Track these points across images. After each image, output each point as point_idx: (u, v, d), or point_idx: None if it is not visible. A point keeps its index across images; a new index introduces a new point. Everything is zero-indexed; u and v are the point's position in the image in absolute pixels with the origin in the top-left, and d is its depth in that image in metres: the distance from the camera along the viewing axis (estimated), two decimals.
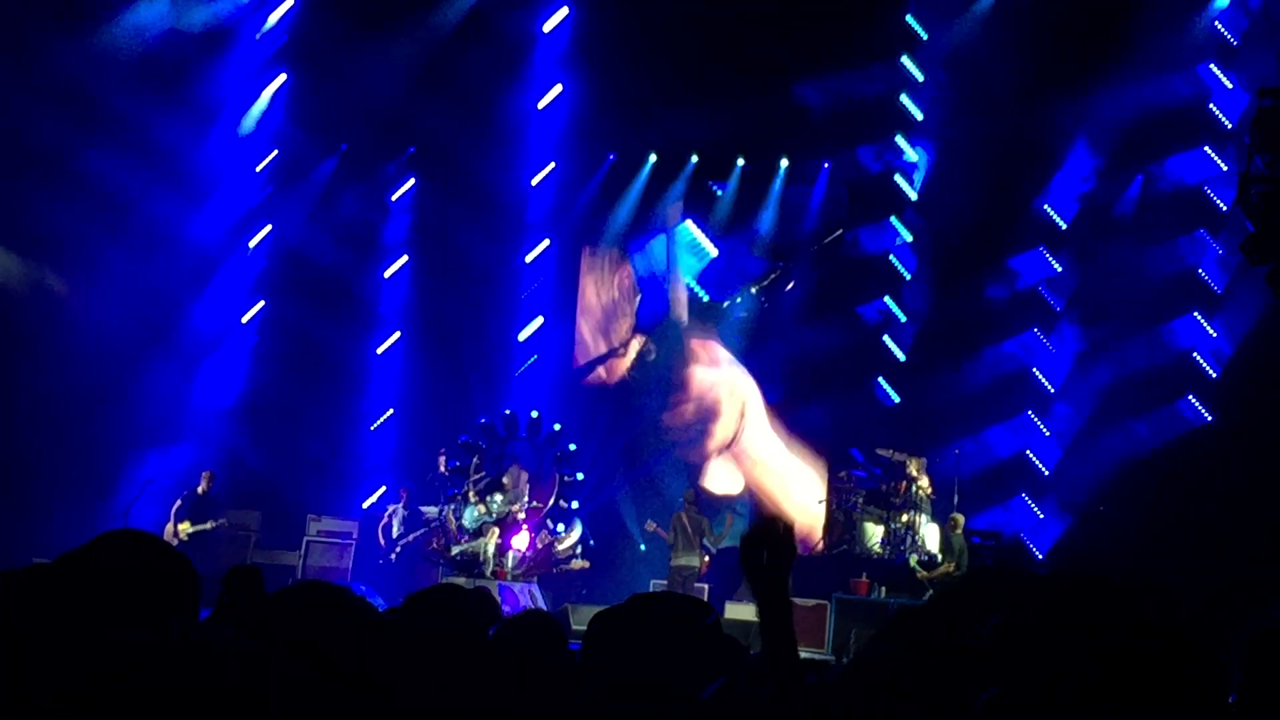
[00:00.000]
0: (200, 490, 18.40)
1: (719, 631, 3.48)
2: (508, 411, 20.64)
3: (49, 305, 18.63)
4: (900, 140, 21.21)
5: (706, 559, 18.60)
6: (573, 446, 20.64)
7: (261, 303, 21.58)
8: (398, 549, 19.41)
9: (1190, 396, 19.62)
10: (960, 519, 17.76)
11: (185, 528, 17.95)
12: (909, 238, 21.20)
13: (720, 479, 21.72)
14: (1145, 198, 20.29)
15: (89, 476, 18.47)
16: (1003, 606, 1.65)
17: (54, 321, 18.54)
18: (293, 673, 1.85)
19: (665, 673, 3.14)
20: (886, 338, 21.18)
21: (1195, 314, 19.83)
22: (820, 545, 19.73)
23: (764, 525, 3.15)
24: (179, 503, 18.25)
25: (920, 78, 21.08)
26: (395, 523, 19.71)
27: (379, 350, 22.27)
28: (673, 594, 3.83)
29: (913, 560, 17.95)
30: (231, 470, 19.63)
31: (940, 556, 17.76)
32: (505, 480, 19.33)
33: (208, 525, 18.09)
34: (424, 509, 19.55)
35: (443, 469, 19.95)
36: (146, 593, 2.45)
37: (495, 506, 18.91)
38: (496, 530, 18.56)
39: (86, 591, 2.39)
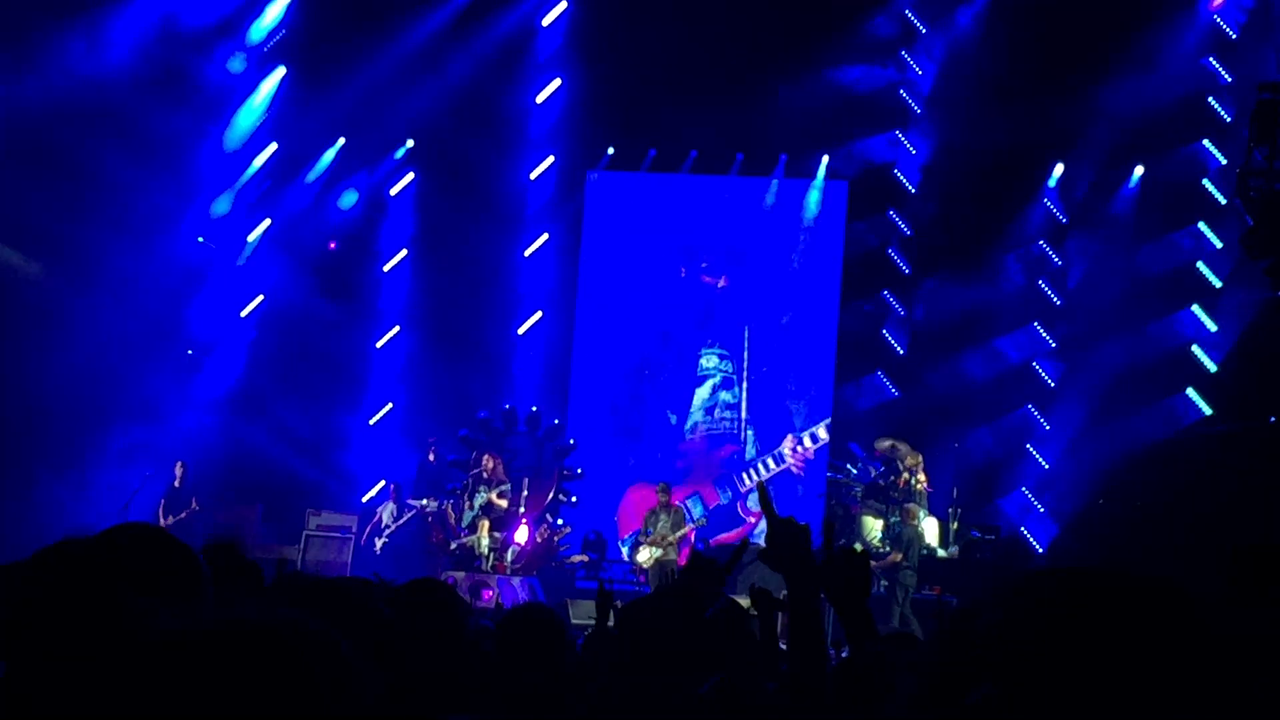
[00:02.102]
0: (175, 483, 18.67)
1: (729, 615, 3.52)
2: (507, 406, 20.66)
3: (39, 296, 18.58)
4: (899, 134, 21.21)
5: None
6: (572, 441, 20.67)
7: (260, 297, 21.58)
8: (383, 538, 19.47)
9: (1189, 390, 19.63)
10: (915, 510, 17.82)
11: (168, 521, 18.11)
12: (908, 231, 21.21)
13: None
14: (1144, 191, 20.30)
15: (84, 471, 18.48)
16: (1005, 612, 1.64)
17: (49, 314, 18.50)
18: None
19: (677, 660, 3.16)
20: (885, 332, 21.19)
21: (1194, 308, 19.84)
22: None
23: (784, 524, 3.19)
24: (163, 498, 18.52)
25: (919, 71, 21.08)
26: (385, 515, 19.79)
27: (378, 344, 22.28)
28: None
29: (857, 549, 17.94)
30: (230, 464, 19.67)
31: (889, 546, 17.74)
32: (484, 473, 19.28)
33: (182, 515, 18.30)
34: (416, 502, 19.58)
35: (431, 458, 20.06)
36: (158, 583, 2.45)
37: (479, 500, 18.92)
38: (488, 523, 18.58)
39: (100, 580, 2.38)
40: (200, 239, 20.77)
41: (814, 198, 21.99)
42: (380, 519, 19.82)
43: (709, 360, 22.38)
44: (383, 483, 21.14)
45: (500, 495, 18.90)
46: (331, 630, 1.81)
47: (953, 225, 20.63)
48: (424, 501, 19.47)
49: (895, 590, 16.79)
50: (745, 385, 22.19)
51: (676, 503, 19.32)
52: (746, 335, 22.22)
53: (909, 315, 21.15)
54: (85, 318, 18.52)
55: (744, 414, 22.09)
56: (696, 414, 22.31)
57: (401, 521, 19.59)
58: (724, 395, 22.26)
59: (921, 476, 18.80)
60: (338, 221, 21.98)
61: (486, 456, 19.27)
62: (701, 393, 22.34)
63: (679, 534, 18.62)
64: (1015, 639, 1.60)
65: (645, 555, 18.52)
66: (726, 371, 22.30)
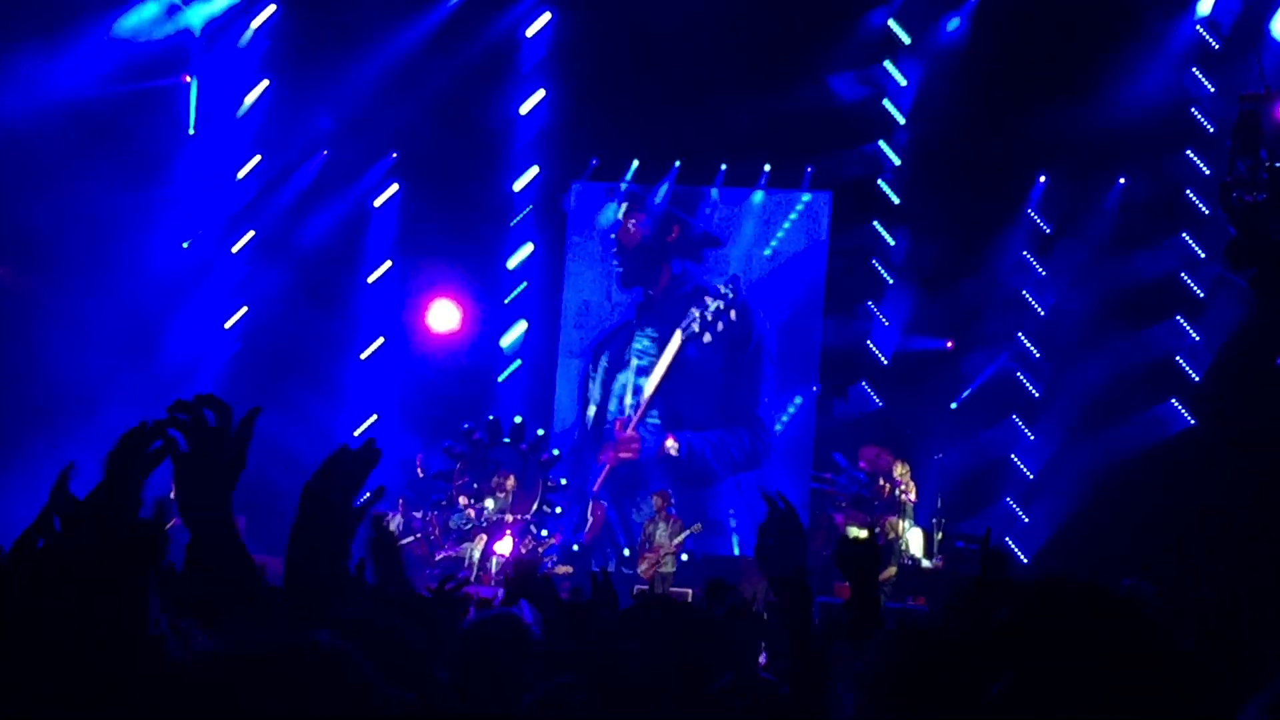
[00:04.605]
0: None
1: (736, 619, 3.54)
2: (491, 417, 20.65)
3: (12, 301, 18.49)
4: (883, 145, 21.22)
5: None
6: (556, 452, 20.66)
7: (245, 309, 21.53)
8: None
9: (1173, 401, 19.68)
10: (895, 522, 17.93)
11: None
12: (892, 241, 21.22)
13: None
14: (1128, 202, 20.34)
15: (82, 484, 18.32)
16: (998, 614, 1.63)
17: (23, 321, 18.39)
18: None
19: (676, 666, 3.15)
20: (869, 342, 21.19)
21: (1178, 318, 19.89)
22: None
23: (774, 516, 3.25)
24: None
25: (903, 82, 21.09)
26: (391, 527, 19.71)
27: (362, 356, 22.23)
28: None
29: None
30: None
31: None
32: (500, 488, 19.34)
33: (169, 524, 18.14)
34: (415, 514, 19.61)
35: (419, 473, 20.02)
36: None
37: (486, 512, 18.96)
38: (484, 536, 18.57)
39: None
40: (185, 244, 20.71)
41: (798, 208, 22.01)
42: None
43: (640, 343, 22.37)
44: (367, 494, 21.04)
45: (510, 517, 19.02)
46: (356, 652, 1.82)
47: (936, 235, 20.64)
48: (416, 514, 19.52)
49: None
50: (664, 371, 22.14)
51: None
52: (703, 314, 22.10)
53: (893, 325, 21.13)
54: (64, 326, 18.41)
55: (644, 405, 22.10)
56: (612, 402, 22.31)
57: (408, 541, 19.51)
58: (641, 380, 22.21)
59: (907, 486, 18.82)
60: (321, 232, 21.90)
61: (511, 478, 19.41)
62: (623, 378, 22.34)
63: (677, 541, 18.55)
64: (992, 650, 1.58)
65: (644, 567, 18.48)
66: (653, 355, 22.22)
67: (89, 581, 2.31)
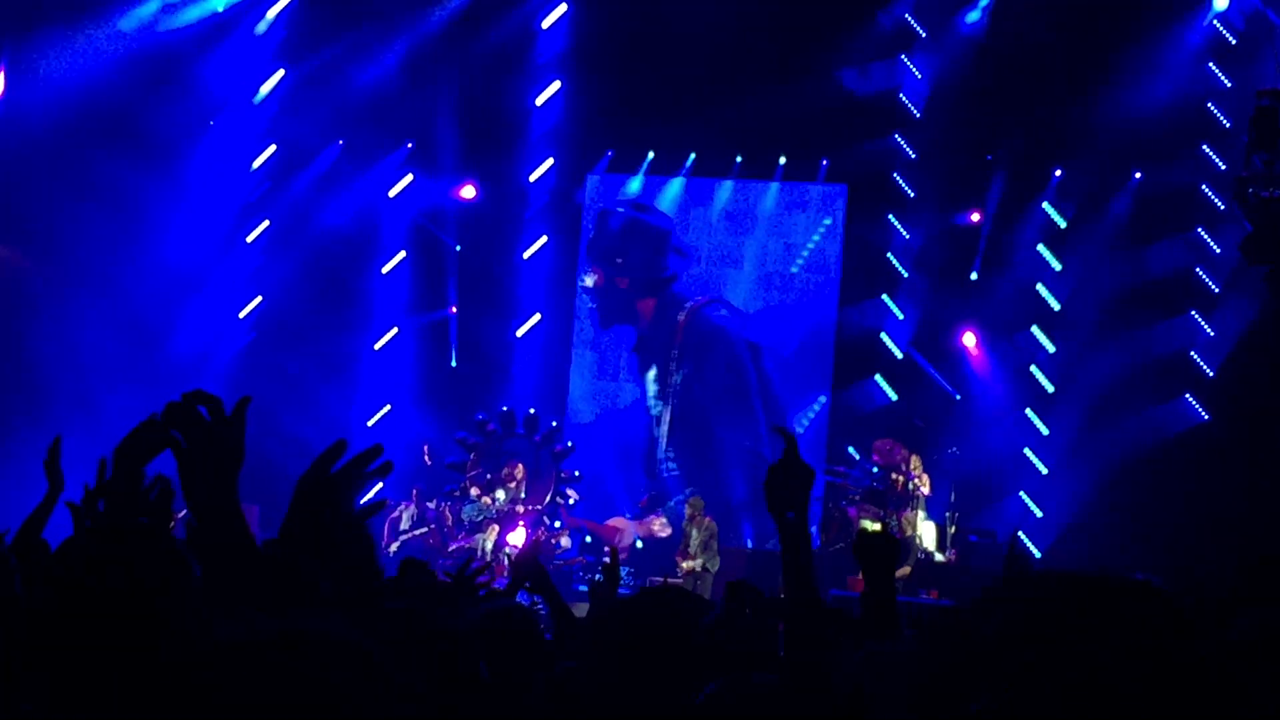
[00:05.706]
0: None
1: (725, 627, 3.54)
2: (505, 408, 20.67)
3: (27, 289, 18.53)
4: (899, 138, 21.19)
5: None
6: (570, 444, 20.67)
7: (259, 298, 21.58)
8: (397, 543, 19.46)
9: (1187, 395, 19.63)
10: (911, 517, 17.96)
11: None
12: (906, 234, 21.19)
13: None
14: (1143, 196, 20.28)
15: (80, 472, 18.35)
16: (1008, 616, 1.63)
17: (38, 310, 18.43)
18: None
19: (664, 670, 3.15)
20: (884, 335, 21.18)
21: (1193, 313, 19.85)
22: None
23: (784, 462, 3.33)
24: None
25: (919, 75, 21.06)
26: (405, 517, 19.75)
27: (376, 346, 22.26)
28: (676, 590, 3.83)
29: None
30: None
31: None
32: (510, 478, 19.37)
33: (180, 514, 18.16)
34: (428, 504, 19.66)
35: (426, 460, 20.04)
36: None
37: (499, 503, 18.98)
38: (497, 527, 18.60)
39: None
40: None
41: (813, 200, 22.00)
42: (400, 520, 19.79)
43: (651, 389, 22.42)
44: (380, 484, 21.10)
45: (522, 506, 19.03)
46: (368, 639, 1.83)
47: (951, 229, 20.65)
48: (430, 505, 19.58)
49: None
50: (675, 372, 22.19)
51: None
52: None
53: (907, 318, 21.12)
54: (76, 314, 18.45)
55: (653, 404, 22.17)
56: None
57: (421, 532, 19.53)
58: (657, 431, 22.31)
59: (921, 479, 18.81)
60: (336, 222, 21.92)
61: (520, 467, 19.40)
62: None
63: (709, 550, 18.37)
64: (1011, 645, 1.58)
65: (683, 568, 18.45)
66: (658, 401, 22.33)
67: (120, 571, 2.33)
